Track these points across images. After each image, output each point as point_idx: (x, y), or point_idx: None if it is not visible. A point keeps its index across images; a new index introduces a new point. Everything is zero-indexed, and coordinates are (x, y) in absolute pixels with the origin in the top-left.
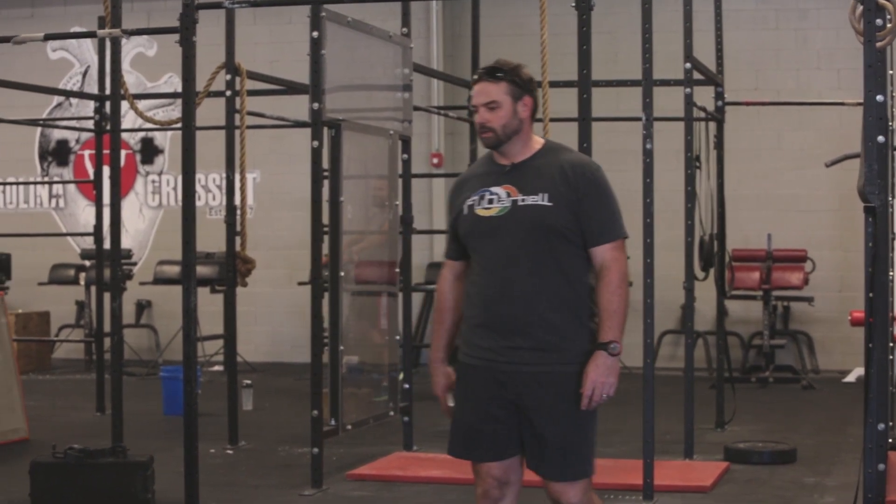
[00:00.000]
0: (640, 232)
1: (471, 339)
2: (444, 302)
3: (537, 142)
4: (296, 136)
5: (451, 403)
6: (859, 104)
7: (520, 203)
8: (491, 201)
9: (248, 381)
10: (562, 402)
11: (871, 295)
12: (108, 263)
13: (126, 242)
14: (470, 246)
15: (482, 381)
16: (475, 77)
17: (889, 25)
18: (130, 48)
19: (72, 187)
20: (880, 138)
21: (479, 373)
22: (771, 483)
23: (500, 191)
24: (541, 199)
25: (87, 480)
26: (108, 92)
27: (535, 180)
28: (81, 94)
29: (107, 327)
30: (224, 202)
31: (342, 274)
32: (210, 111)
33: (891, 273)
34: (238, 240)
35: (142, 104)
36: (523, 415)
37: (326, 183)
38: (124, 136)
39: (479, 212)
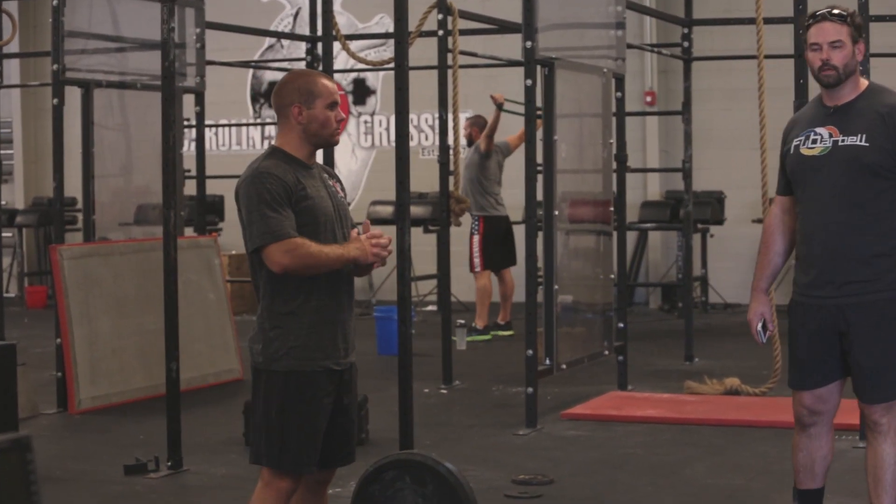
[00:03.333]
0: None
1: (798, 277)
2: (769, 234)
3: (862, 84)
4: (508, 76)
5: (759, 329)
6: None
7: (840, 143)
8: (815, 141)
9: (462, 321)
10: (876, 329)
11: None
12: None
13: None
14: (795, 183)
15: (809, 317)
16: (813, 18)
17: None
18: None
19: None
20: None
21: (806, 309)
22: None
23: (823, 131)
24: (858, 140)
25: None
26: (319, 33)
27: (856, 122)
28: (293, 36)
29: None
30: (436, 142)
31: (556, 213)
32: (422, 51)
33: None
34: (451, 180)
35: (353, 45)
36: (846, 342)
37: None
38: (336, 76)
39: (804, 151)
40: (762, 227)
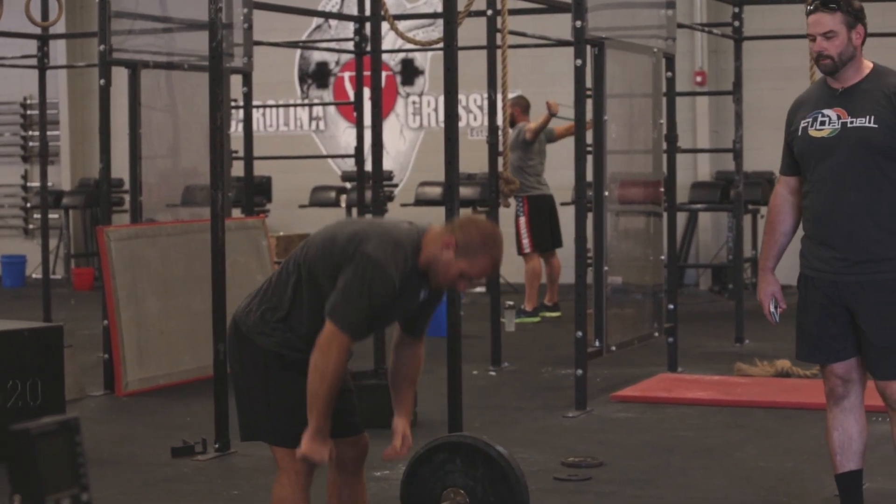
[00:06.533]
0: None
1: (807, 253)
2: (775, 214)
3: (866, 66)
4: (557, 55)
5: (772, 309)
6: None
7: (849, 125)
8: (823, 123)
9: (511, 303)
10: (885, 307)
11: None
12: (369, 185)
13: (387, 164)
14: (804, 164)
15: (818, 292)
16: (810, 8)
17: None
18: None
19: (332, 109)
20: None
21: (815, 284)
22: None
23: (831, 113)
24: (867, 122)
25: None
26: (367, 13)
27: (863, 103)
28: (341, 16)
29: None
30: (485, 123)
31: (606, 194)
32: (470, 31)
33: None
34: (500, 160)
35: (401, 25)
36: (855, 320)
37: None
38: (384, 57)
39: (812, 133)
40: (768, 207)
